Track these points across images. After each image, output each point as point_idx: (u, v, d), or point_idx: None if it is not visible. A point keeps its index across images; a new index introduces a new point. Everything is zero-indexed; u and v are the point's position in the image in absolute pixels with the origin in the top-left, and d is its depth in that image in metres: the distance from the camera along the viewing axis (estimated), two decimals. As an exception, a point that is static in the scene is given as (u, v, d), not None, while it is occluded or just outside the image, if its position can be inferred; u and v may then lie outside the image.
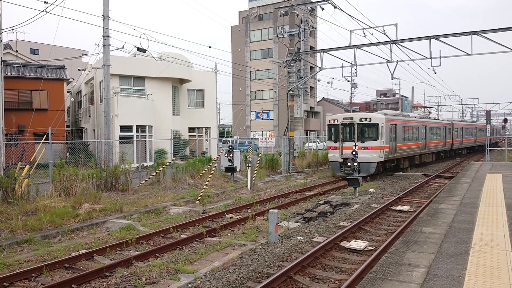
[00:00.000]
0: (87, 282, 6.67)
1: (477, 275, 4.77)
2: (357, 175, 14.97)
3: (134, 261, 7.56)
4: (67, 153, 20.66)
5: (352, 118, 20.05)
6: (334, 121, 20.65)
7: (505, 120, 41.50)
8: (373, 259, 6.99)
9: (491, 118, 47.80)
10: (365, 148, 19.31)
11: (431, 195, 14.41)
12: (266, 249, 7.97)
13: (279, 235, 8.80)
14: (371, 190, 15.97)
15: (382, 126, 19.53)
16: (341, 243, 8.42)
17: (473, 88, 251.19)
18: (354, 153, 15.33)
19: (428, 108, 63.44)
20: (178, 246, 8.60)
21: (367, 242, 8.43)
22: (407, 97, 73.92)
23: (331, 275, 6.73)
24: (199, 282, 6.33)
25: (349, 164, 15.44)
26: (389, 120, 20.61)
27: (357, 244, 8.29)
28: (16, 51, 29.65)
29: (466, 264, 5.16)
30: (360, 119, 19.85)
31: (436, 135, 28.66)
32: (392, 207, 12.39)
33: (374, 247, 8.21)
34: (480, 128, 43.58)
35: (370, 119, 19.73)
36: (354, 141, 19.64)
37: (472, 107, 64.36)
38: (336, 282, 6.44)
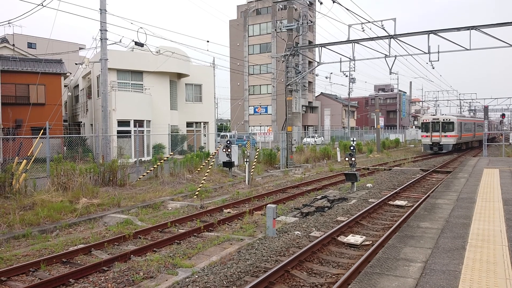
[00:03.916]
0: (84, 276, 6.67)
1: (473, 270, 4.79)
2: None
3: (131, 255, 7.57)
4: (65, 148, 20.62)
5: (438, 118, 32.60)
6: (426, 120, 33.49)
7: (503, 115, 42.09)
8: (370, 253, 7.01)
9: (489, 113, 48.60)
10: (446, 136, 31.80)
11: (428, 190, 14.44)
12: (264, 243, 7.99)
13: (276, 229, 8.82)
14: (368, 185, 15.99)
15: (455, 123, 31.85)
16: (339, 238, 8.44)
17: (471, 84, 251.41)
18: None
19: (426, 103, 63.42)
20: (176, 241, 8.61)
21: (364, 237, 8.46)
22: (405, 92, 73.73)
23: (328, 270, 6.75)
24: (196, 276, 6.34)
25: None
26: (459, 120, 32.99)
27: (354, 238, 8.31)
28: (13, 45, 29.48)
29: (462, 259, 5.18)
30: (443, 119, 32.27)
31: (481, 129, 40.50)
32: (389, 202, 12.42)
33: (371, 241, 8.23)
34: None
35: (449, 119, 32.17)
36: (439, 131, 31.98)
37: (470, 102, 64.38)
38: (333, 276, 6.46)
